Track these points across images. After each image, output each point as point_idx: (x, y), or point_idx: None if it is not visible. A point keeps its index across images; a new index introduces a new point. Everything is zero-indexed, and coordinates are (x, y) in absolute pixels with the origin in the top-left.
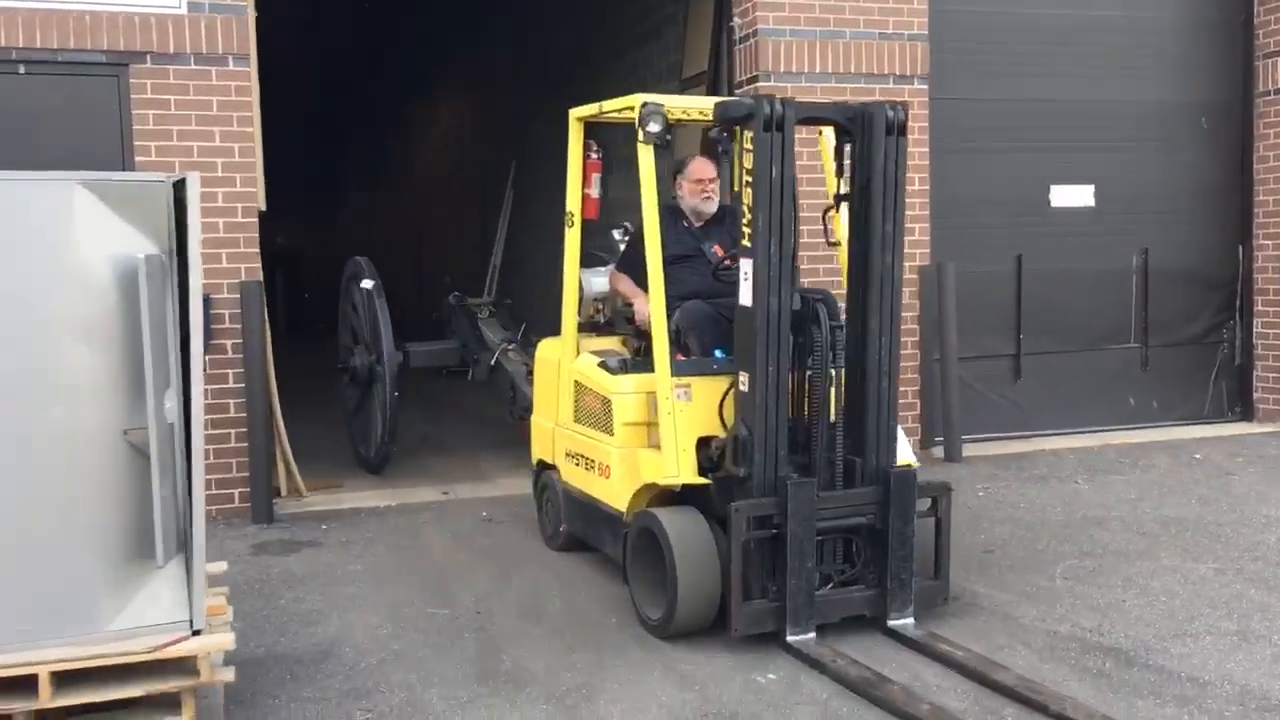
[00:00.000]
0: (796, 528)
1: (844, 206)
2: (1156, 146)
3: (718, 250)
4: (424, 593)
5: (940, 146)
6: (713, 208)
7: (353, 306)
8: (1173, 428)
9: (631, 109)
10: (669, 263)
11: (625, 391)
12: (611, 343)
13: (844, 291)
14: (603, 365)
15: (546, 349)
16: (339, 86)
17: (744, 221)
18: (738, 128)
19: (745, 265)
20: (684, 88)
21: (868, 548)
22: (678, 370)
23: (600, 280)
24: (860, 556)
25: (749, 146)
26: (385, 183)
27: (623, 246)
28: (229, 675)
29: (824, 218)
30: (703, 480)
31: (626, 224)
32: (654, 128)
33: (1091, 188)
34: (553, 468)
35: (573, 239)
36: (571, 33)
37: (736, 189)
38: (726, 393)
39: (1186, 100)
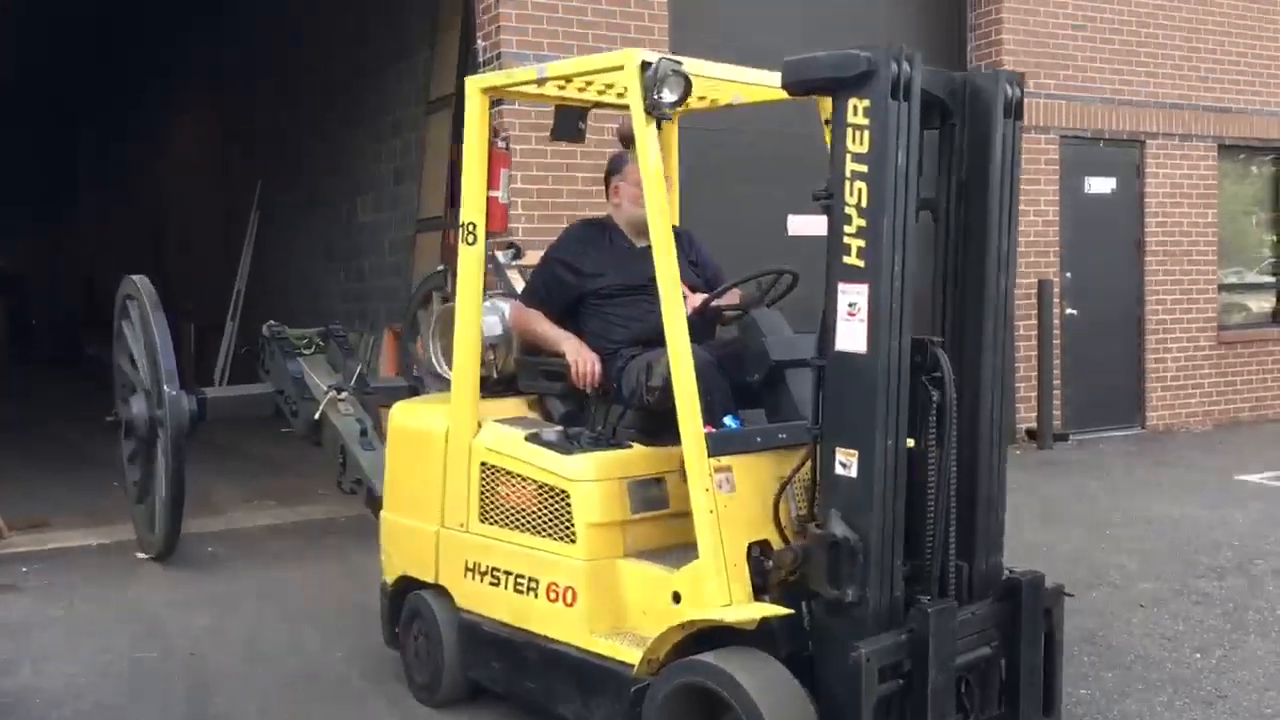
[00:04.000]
0: (938, 674)
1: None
2: None
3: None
4: (133, 637)
5: (687, 177)
6: None
7: (128, 354)
8: None
9: (615, 70)
10: (608, 296)
11: (589, 479)
12: (512, 407)
13: None
14: (535, 439)
15: (411, 416)
16: (73, 96)
17: (848, 231)
18: (843, 97)
19: (852, 293)
20: (430, 110)
21: (983, 688)
22: (716, 447)
23: (490, 319)
24: (972, 700)
25: (861, 121)
26: (122, 199)
27: (514, 273)
28: None
29: None
30: (779, 611)
31: (515, 242)
32: (670, 96)
33: (825, 218)
34: (433, 587)
35: (472, 260)
36: (318, 47)
37: (824, 187)
38: (790, 477)
39: None
